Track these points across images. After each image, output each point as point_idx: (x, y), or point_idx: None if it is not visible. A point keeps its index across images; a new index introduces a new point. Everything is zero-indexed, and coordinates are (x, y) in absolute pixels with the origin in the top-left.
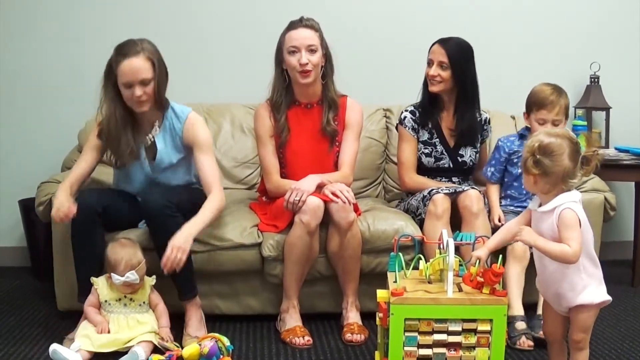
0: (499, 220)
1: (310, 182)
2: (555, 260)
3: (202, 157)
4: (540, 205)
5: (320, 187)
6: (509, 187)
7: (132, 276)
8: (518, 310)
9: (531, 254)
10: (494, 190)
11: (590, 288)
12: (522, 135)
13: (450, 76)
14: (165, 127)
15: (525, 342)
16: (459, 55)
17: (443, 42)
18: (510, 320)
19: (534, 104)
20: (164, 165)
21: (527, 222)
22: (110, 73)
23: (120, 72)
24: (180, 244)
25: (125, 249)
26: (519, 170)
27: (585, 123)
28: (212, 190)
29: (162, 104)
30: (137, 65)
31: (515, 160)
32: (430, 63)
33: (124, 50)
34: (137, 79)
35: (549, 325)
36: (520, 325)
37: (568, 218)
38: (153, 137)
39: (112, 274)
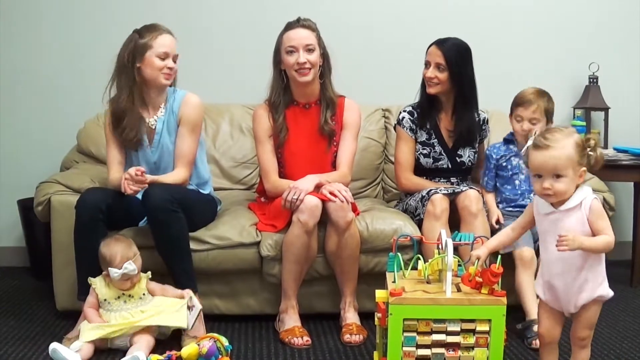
0: (497, 222)
1: (308, 181)
2: (601, 252)
3: (184, 133)
4: (552, 205)
5: (318, 187)
6: (503, 191)
7: (129, 266)
8: (532, 314)
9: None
10: (490, 197)
11: (605, 280)
12: (507, 140)
13: (447, 78)
14: (167, 109)
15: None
16: (456, 57)
17: (440, 44)
18: (528, 325)
19: (513, 103)
20: (163, 148)
21: (527, 225)
22: (140, 47)
23: (158, 44)
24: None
25: (119, 243)
26: (510, 172)
27: (584, 123)
28: (179, 166)
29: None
30: (173, 42)
31: (504, 164)
32: (427, 65)
33: (156, 27)
34: (173, 52)
35: (547, 325)
36: (537, 328)
37: (599, 208)
38: (155, 120)
39: (109, 268)
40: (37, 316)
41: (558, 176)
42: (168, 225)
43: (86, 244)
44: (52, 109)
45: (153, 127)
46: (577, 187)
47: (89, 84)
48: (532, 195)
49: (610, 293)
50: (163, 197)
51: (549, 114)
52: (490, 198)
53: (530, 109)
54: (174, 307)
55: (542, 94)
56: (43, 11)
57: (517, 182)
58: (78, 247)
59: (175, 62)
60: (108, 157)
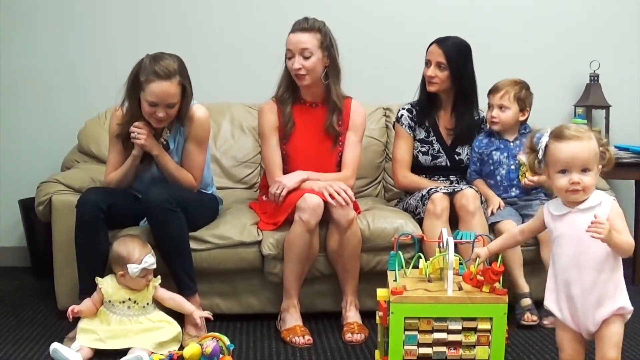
0: (499, 207)
1: (294, 177)
2: (624, 254)
3: (192, 149)
4: (567, 205)
5: (305, 183)
6: (487, 184)
7: (149, 260)
8: (522, 287)
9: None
10: (480, 184)
11: (625, 294)
12: (489, 133)
13: (448, 76)
14: (175, 128)
15: (529, 318)
16: (456, 55)
17: (440, 42)
18: (517, 299)
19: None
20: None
21: (537, 229)
22: (137, 83)
23: (149, 90)
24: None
25: (134, 240)
26: (492, 167)
27: (585, 121)
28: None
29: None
30: (167, 90)
31: (486, 158)
32: (427, 63)
33: (158, 67)
34: (164, 102)
35: (572, 352)
36: (525, 301)
37: (619, 209)
38: (166, 140)
39: (128, 265)
40: (38, 316)
41: (584, 170)
42: (167, 224)
43: (87, 243)
44: (52, 109)
45: (164, 144)
46: None
47: (88, 83)
48: (514, 189)
49: (631, 307)
50: (162, 196)
51: (521, 103)
52: (481, 184)
53: (498, 95)
54: (170, 334)
55: (515, 82)
56: (43, 11)
57: (498, 177)
58: (79, 247)
59: (171, 108)
60: (109, 159)
